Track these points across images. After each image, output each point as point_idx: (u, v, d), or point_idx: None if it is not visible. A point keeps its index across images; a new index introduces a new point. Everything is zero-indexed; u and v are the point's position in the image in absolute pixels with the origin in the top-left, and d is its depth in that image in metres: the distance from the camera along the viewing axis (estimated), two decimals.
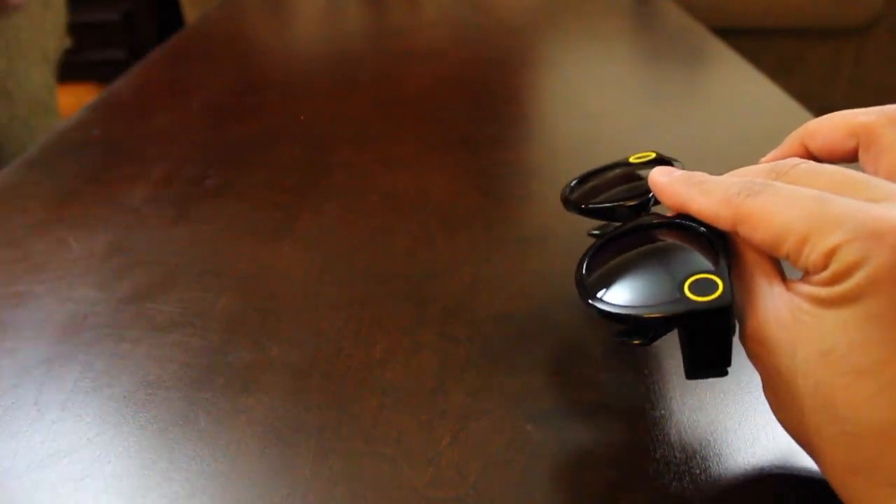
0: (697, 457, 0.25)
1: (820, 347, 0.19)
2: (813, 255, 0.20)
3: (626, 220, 0.27)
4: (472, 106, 0.59)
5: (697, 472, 0.24)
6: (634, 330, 0.25)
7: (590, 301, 0.24)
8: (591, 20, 0.88)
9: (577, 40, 0.80)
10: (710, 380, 0.28)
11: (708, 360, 0.23)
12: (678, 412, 0.27)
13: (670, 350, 0.30)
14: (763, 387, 0.23)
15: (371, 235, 0.39)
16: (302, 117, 0.57)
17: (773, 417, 0.23)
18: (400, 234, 0.39)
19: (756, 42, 1.51)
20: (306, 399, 0.28)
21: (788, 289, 0.21)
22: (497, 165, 0.48)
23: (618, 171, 0.32)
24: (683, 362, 0.24)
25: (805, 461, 0.24)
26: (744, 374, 0.28)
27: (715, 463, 0.24)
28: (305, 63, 0.74)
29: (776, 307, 0.21)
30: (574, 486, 0.24)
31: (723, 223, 0.23)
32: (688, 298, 0.22)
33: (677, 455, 0.25)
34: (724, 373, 0.23)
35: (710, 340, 0.23)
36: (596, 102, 0.60)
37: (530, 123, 0.57)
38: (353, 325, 0.32)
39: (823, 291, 0.20)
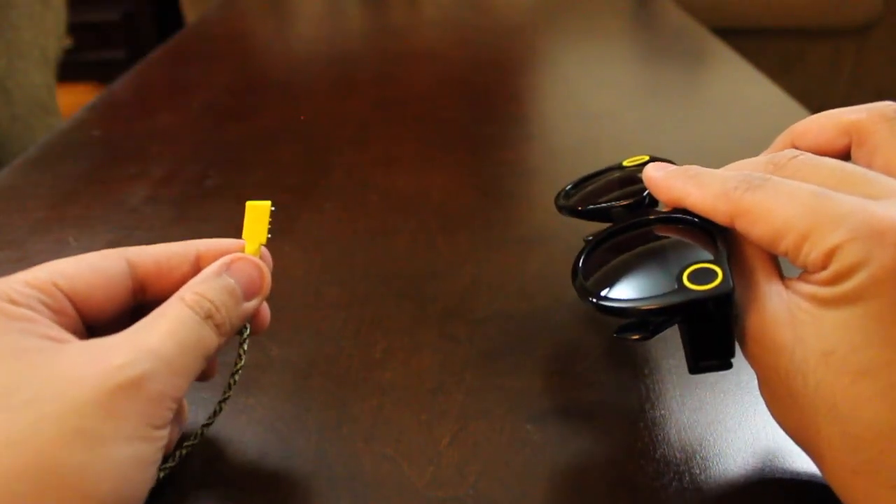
0: (697, 457, 0.25)
1: (821, 347, 0.19)
2: (813, 253, 0.19)
3: (622, 219, 0.27)
4: (472, 106, 0.59)
5: (697, 472, 0.24)
6: (635, 325, 0.24)
7: (590, 298, 0.23)
8: (591, 20, 0.88)
9: (577, 40, 0.80)
10: (710, 380, 0.28)
11: (711, 352, 0.23)
12: (678, 412, 0.27)
13: (670, 350, 0.30)
14: (760, 386, 0.23)
15: (371, 235, 0.39)
16: (302, 117, 0.57)
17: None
18: (400, 234, 0.39)
19: (756, 42, 1.51)
20: (306, 399, 0.28)
21: (787, 287, 0.21)
22: (497, 165, 0.48)
23: (612, 175, 0.32)
24: (686, 357, 0.23)
25: (805, 461, 0.24)
26: (744, 374, 0.28)
27: (715, 463, 0.24)
28: (305, 63, 0.74)
29: (775, 306, 0.21)
30: (574, 486, 0.24)
31: (720, 217, 0.22)
32: (687, 288, 0.21)
33: (677, 455, 0.25)
34: (728, 365, 0.23)
35: (712, 330, 0.22)
36: (596, 102, 0.60)
37: (530, 123, 0.57)
38: (353, 325, 0.32)
39: (824, 291, 0.19)
